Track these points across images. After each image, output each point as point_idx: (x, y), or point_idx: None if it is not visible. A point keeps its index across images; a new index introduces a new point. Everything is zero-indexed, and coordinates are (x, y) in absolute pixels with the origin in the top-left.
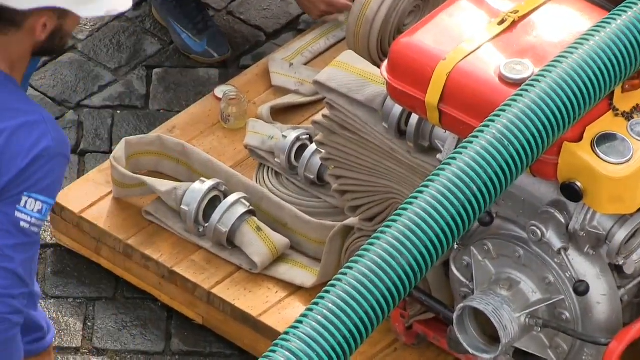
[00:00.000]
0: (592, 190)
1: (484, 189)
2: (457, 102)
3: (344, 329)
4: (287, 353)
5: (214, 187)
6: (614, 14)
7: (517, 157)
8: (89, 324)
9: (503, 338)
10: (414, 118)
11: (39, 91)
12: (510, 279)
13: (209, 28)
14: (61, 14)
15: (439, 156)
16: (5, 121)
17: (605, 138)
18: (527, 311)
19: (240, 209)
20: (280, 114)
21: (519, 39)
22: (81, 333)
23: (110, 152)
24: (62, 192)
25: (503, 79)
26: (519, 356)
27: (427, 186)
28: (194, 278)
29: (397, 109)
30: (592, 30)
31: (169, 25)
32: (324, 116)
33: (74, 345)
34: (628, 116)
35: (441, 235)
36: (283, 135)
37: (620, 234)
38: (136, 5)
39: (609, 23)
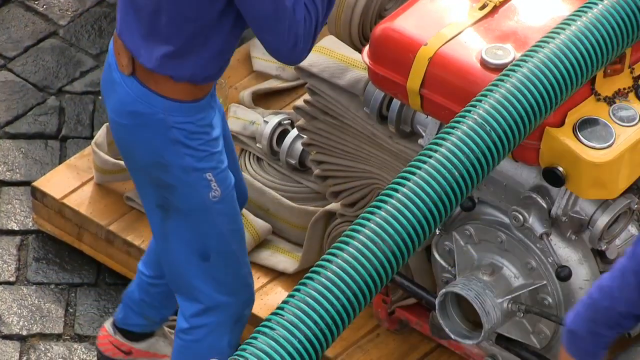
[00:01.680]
0: (574, 175)
1: (466, 175)
2: (439, 88)
3: (327, 316)
4: (269, 340)
5: None
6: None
7: (499, 142)
8: (71, 310)
9: (485, 324)
10: (396, 103)
11: (20, 77)
12: (492, 264)
13: None
14: None
15: (420, 141)
16: None
17: (587, 123)
18: (510, 297)
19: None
20: (262, 99)
21: (501, 24)
22: (63, 319)
23: (92, 137)
24: (44, 178)
25: (484, 64)
26: (501, 342)
27: (409, 172)
28: None
29: (379, 94)
30: (574, 15)
31: None
32: (306, 101)
33: (56, 332)
34: (610, 101)
35: (423, 221)
36: (264, 121)
37: (603, 219)
38: None
39: (590, 8)
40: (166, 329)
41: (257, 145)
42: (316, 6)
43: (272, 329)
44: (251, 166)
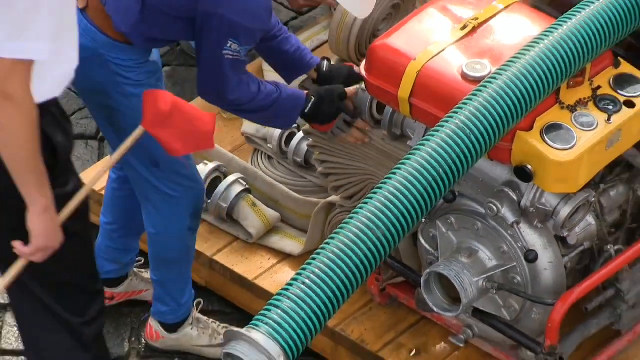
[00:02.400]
0: (540, 172)
1: (448, 172)
2: (426, 96)
3: (328, 291)
4: (279, 311)
5: (215, 169)
6: (560, 21)
7: (477, 144)
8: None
9: (464, 299)
10: (388, 109)
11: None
12: (470, 248)
13: None
14: None
15: (409, 143)
16: None
17: (552, 127)
18: (485, 276)
19: (238, 188)
20: None
21: (479, 42)
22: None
23: None
24: (84, 173)
25: (465, 77)
26: (477, 314)
27: (399, 169)
28: (198, 247)
29: (370, 101)
30: (542, 35)
31: None
32: None
33: None
34: (572, 109)
35: (411, 211)
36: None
37: (565, 210)
38: None
39: (556, 29)
40: (136, 269)
41: (268, 145)
42: (261, 106)
43: (281, 302)
44: (263, 163)
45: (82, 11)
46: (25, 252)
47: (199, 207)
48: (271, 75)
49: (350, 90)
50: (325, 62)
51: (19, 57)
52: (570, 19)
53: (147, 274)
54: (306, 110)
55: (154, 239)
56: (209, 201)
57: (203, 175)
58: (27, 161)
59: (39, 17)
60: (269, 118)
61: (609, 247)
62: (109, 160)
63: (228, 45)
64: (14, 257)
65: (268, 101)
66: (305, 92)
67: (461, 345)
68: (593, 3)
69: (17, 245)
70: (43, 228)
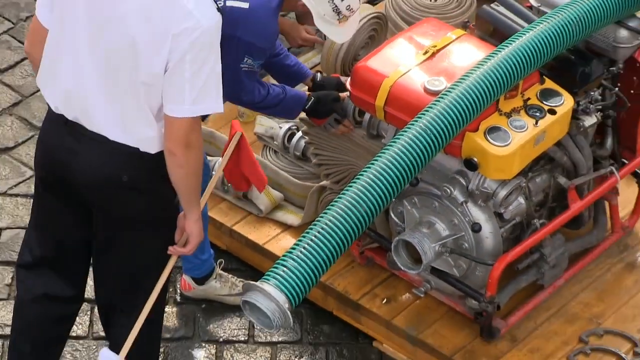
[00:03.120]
0: (483, 163)
1: (413, 163)
2: (396, 105)
3: (322, 253)
4: (284, 269)
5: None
6: (499, 48)
7: (435, 142)
8: None
9: (424, 260)
10: (367, 115)
11: None
12: (429, 221)
13: None
14: None
15: (383, 141)
16: None
17: (493, 129)
18: (440, 242)
19: None
20: None
21: (437, 64)
22: None
23: None
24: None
25: (426, 90)
26: (434, 272)
27: (375, 161)
28: (221, 219)
29: (352, 108)
30: (485, 59)
31: None
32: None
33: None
34: (508, 115)
35: (385, 193)
36: (279, 127)
37: (502, 193)
38: None
39: (496, 54)
40: (219, 270)
41: (274, 142)
42: (270, 103)
43: (286, 262)
44: (270, 156)
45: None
46: (185, 251)
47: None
48: None
49: (342, 95)
50: (319, 74)
51: (201, 114)
52: (506, 46)
53: None
54: (307, 107)
55: None
56: (229, 184)
57: (215, 165)
58: (195, 188)
59: (212, 81)
60: (277, 112)
61: (535, 221)
62: (215, 175)
63: (244, 60)
64: (130, 269)
65: (276, 100)
66: (307, 93)
67: (421, 295)
68: (524, 34)
69: (173, 249)
70: (197, 230)
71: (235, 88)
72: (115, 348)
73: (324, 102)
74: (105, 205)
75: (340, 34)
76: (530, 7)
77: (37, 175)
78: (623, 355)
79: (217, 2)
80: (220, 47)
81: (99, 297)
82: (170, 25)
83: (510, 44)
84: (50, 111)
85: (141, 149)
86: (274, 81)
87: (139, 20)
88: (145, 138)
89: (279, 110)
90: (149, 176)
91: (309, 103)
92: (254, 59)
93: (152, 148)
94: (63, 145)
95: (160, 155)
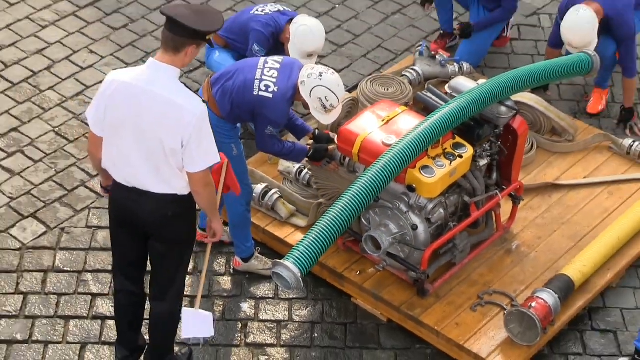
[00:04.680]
0: (419, 188)
1: (375, 188)
2: (365, 153)
3: (321, 244)
4: (297, 252)
5: (265, 187)
6: (427, 118)
7: (390, 175)
8: None
9: (382, 247)
10: (347, 158)
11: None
12: (385, 223)
13: None
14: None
15: (357, 174)
16: None
17: (424, 167)
18: (392, 236)
19: (276, 196)
20: None
21: (390, 127)
22: None
23: None
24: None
25: (384, 144)
26: (388, 255)
27: (352, 187)
28: (258, 222)
29: (337, 154)
30: (419, 124)
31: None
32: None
33: None
34: (434, 158)
35: (358, 207)
36: (294, 166)
37: (430, 206)
38: None
39: (425, 122)
40: (257, 254)
41: (290, 176)
42: (284, 153)
43: (298, 248)
44: (288, 184)
45: (205, 102)
46: (215, 240)
47: (250, 199)
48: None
49: (330, 147)
50: (316, 130)
51: (207, 167)
52: (432, 117)
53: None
54: (308, 155)
55: (229, 214)
56: (263, 201)
57: (259, 189)
58: (214, 205)
59: (212, 142)
60: (290, 158)
61: (450, 223)
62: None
63: (267, 128)
64: (167, 274)
65: (288, 151)
66: (309, 146)
67: (381, 269)
68: (442, 110)
69: (208, 239)
70: (219, 228)
71: (263, 144)
72: (154, 328)
73: (319, 152)
74: (158, 233)
75: (326, 119)
76: (446, 93)
77: (111, 218)
78: (504, 306)
79: (253, 92)
80: (254, 120)
81: (150, 291)
82: (177, 120)
83: (434, 115)
84: (115, 181)
85: (178, 194)
86: (292, 137)
87: (160, 124)
88: (179, 187)
89: (291, 157)
90: (184, 210)
91: (309, 153)
92: (274, 127)
93: (184, 192)
94: (128, 199)
95: (189, 194)
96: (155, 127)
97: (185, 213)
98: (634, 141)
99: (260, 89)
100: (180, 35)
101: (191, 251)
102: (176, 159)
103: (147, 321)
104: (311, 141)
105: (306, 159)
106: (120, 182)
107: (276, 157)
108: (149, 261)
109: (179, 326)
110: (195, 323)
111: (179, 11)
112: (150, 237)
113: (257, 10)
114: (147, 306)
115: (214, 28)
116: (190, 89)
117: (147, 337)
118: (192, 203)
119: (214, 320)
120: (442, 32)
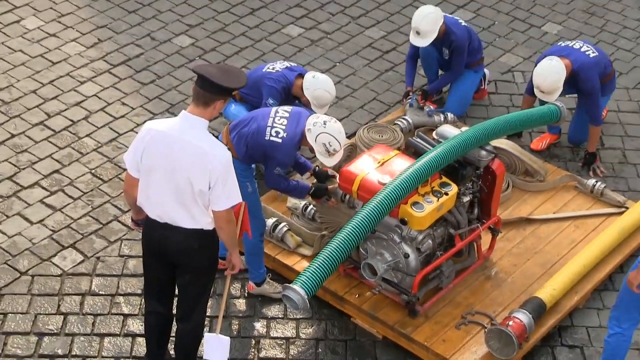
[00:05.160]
0: (410, 221)
1: (372, 222)
2: (363, 191)
3: (324, 270)
4: (303, 277)
5: (276, 220)
6: (417, 161)
7: (385, 209)
8: None
9: (378, 273)
10: (348, 195)
11: None
12: (380, 252)
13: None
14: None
15: (356, 209)
16: None
17: (415, 203)
18: (387, 264)
19: (285, 228)
20: None
21: (385, 169)
22: None
23: None
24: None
25: (379, 183)
26: (384, 280)
27: (351, 221)
28: (269, 252)
29: (339, 192)
30: (410, 166)
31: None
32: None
33: None
34: (423, 195)
35: (356, 238)
36: (301, 203)
37: (420, 237)
38: None
39: (416, 164)
40: (268, 279)
41: (297, 211)
42: (289, 190)
43: (305, 273)
44: (295, 219)
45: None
46: (234, 272)
47: (263, 231)
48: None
49: (330, 187)
50: (317, 167)
51: (230, 206)
52: (421, 159)
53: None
54: (310, 193)
55: (245, 244)
56: (274, 233)
57: (270, 223)
58: (234, 240)
59: (235, 184)
60: (294, 195)
61: (437, 252)
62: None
63: (276, 168)
64: (190, 302)
65: (292, 188)
66: (311, 185)
67: (376, 293)
68: (430, 154)
69: (228, 272)
70: (237, 260)
71: (272, 182)
72: (180, 345)
73: (320, 190)
74: (185, 262)
75: (329, 162)
76: (434, 139)
77: (144, 248)
78: (485, 324)
79: (265, 137)
80: (265, 161)
81: (177, 312)
82: (205, 165)
83: (423, 158)
84: (147, 217)
85: (204, 229)
86: (297, 176)
87: (190, 167)
88: (205, 223)
89: (295, 194)
90: (208, 242)
91: (311, 190)
92: (281, 168)
93: (209, 227)
94: (159, 233)
95: (213, 229)
96: (185, 171)
97: (210, 245)
98: (596, 181)
99: (271, 135)
100: (210, 92)
101: (213, 278)
102: (203, 198)
103: (173, 339)
104: (314, 179)
105: (308, 196)
106: (153, 217)
107: (284, 194)
108: (176, 286)
109: (202, 346)
110: (215, 346)
111: (209, 70)
112: (178, 265)
113: (268, 68)
114: (174, 326)
115: (240, 85)
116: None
117: (172, 352)
118: (215, 237)
119: (231, 344)
120: (425, 89)
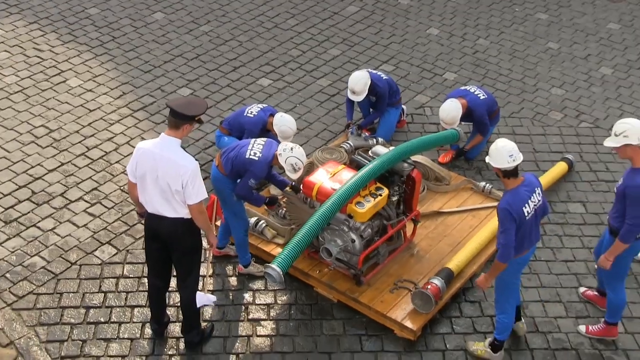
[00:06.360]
0: (355, 215)
1: (326, 217)
2: (320, 194)
3: (293, 252)
4: (279, 258)
5: (257, 219)
6: (358, 172)
7: (336, 208)
8: None
9: (333, 255)
10: (309, 198)
11: None
12: (334, 239)
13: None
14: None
15: (315, 209)
16: None
17: (358, 202)
18: (339, 247)
19: (264, 224)
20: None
21: (335, 178)
22: None
23: None
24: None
25: (332, 189)
26: (337, 259)
27: (312, 217)
28: (253, 242)
29: (302, 195)
30: (353, 176)
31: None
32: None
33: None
34: (364, 197)
35: (316, 230)
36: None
37: (362, 227)
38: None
39: (358, 173)
40: (252, 262)
41: (273, 213)
42: (253, 199)
43: (280, 256)
44: (271, 217)
45: (216, 166)
46: (212, 248)
47: (247, 229)
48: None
49: (280, 197)
50: (293, 182)
51: (200, 200)
52: (361, 171)
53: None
54: (266, 202)
55: (234, 237)
56: (256, 228)
57: (252, 221)
58: (208, 225)
59: (202, 185)
60: (254, 203)
61: (375, 238)
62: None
63: (251, 181)
64: (185, 274)
65: (255, 197)
66: (266, 197)
67: (332, 269)
68: (367, 167)
69: (210, 249)
70: (214, 241)
71: (242, 191)
72: (182, 302)
73: (273, 200)
74: (175, 244)
75: (295, 176)
76: (370, 156)
77: (145, 233)
78: (410, 289)
79: (245, 155)
80: (243, 175)
81: (177, 280)
82: (178, 172)
83: (362, 170)
84: (146, 211)
85: (184, 218)
86: (274, 189)
87: (168, 175)
88: (184, 213)
89: (255, 202)
90: (189, 229)
91: (267, 200)
92: (255, 180)
93: (188, 217)
94: (154, 222)
95: (192, 218)
96: (165, 177)
97: (190, 231)
98: (485, 184)
99: (251, 154)
100: (178, 118)
101: (200, 254)
102: (180, 196)
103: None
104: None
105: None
106: (150, 211)
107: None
108: (171, 265)
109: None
110: (205, 298)
111: (176, 102)
112: (170, 246)
113: (248, 113)
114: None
115: (197, 113)
116: (189, 153)
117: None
118: (194, 224)
119: (215, 300)
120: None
